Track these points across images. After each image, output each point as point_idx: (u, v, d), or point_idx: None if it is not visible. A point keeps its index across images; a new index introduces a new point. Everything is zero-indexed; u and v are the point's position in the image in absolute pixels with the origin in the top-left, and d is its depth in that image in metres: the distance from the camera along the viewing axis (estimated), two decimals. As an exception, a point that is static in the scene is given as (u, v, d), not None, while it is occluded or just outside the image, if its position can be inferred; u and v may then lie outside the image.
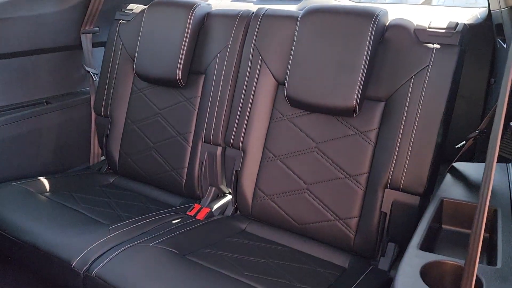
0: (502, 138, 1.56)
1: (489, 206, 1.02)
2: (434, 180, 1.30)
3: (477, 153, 1.57)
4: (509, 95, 1.25)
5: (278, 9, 1.54)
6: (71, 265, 1.20)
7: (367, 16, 1.28)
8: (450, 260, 0.83)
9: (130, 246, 1.24)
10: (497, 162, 1.27)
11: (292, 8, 2.00)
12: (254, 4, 2.09)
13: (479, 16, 1.68)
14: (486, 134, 1.25)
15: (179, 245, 1.28)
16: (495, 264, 0.82)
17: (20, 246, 1.31)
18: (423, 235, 0.92)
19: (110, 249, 1.23)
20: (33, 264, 1.33)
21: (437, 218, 1.05)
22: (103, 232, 1.30)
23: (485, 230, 1.02)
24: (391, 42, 1.30)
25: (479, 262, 0.93)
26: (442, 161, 1.34)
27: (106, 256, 1.20)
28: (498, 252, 0.86)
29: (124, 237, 1.30)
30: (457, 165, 1.25)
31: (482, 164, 1.26)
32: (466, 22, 1.65)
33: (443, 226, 1.08)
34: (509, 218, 0.97)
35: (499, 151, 1.61)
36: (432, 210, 1.03)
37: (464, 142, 1.23)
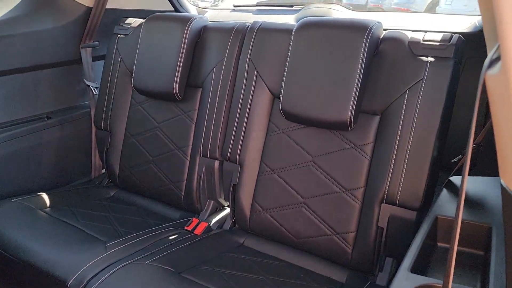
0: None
1: (483, 223, 1.01)
2: (431, 194, 1.28)
3: (477, 166, 1.55)
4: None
5: (274, 22, 1.54)
6: (67, 285, 1.20)
7: (361, 29, 1.27)
8: (440, 283, 0.82)
9: (126, 265, 1.24)
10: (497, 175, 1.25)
11: (290, 18, 1.99)
12: (253, 14, 2.09)
13: (477, 24, 1.65)
14: (483, 147, 1.23)
15: (175, 263, 1.28)
16: None
17: (18, 264, 1.32)
18: (415, 256, 0.91)
19: (106, 267, 1.23)
20: (30, 282, 1.34)
21: (432, 235, 1.04)
22: (100, 250, 1.31)
23: (479, 248, 1.01)
24: (385, 55, 1.29)
25: (472, 284, 0.92)
26: (444, 171, 1.32)
27: (102, 275, 1.20)
28: (491, 274, 0.84)
29: (120, 255, 1.30)
30: (455, 179, 1.23)
31: (480, 178, 1.24)
32: (465, 30, 1.63)
33: (439, 244, 1.06)
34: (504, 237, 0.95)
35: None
36: (426, 228, 1.02)
37: (460, 156, 1.22)
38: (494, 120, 0.39)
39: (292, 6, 2.04)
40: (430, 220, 1.04)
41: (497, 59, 0.38)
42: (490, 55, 0.39)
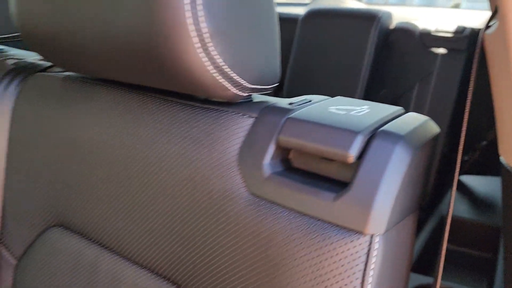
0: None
1: (492, 224, 0.94)
2: (440, 193, 1.22)
3: (494, 165, 1.48)
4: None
5: (279, 11, 1.49)
6: None
7: (369, 18, 1.22)
8: (441, 284, 0.76)
9: None
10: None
11: (301, 10, 1.94)
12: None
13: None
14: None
15: None
16: None
17: None
18: (416, 255, 0.85)
19: None
20: None
21: (437, 236, 0.98)
22: None
23: (486, 250, 0.95)
24: (395, 46, 1.23)
25: (478, 287, 0.86)
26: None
27: None
28: (497, 277, 0.78)
29: None
30: (465, 178, 1.17)
31: (492, 178, 1.17)
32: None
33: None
34: None
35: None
36: (430, 227, 0.96)
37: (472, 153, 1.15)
38: (494, 88, 0.34)
39: (302, -2, 1.99)
40: (435, 219, 0.98)
41: (495, 16, 0.33)
42: (489, 16, 0.34)
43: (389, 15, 1.25)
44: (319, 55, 1.28)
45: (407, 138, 0.33)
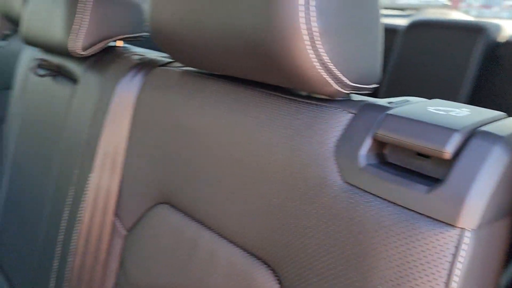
0: None
1: None
2: None
3: None
4: None
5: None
6: None
7: (475, 30, 1.18)
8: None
9: None
10: None
11: (402, 22, 1.91)
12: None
13: None
14: None
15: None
16: None
17: None
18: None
19: None
20: None
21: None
22: None
23: None
24: (503, 61, 1.17)
25: None
26: None
27: None
28: None
29: None
30: None
31: None
32: None
33: None
34: None
35: None
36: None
37: None
38: None
39: (403, 10, 1.96)
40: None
41: None
42: None
43: (497, 28, 1.19)
44: (419, 66, 1.26)
45: (507, 140, 0.33)
